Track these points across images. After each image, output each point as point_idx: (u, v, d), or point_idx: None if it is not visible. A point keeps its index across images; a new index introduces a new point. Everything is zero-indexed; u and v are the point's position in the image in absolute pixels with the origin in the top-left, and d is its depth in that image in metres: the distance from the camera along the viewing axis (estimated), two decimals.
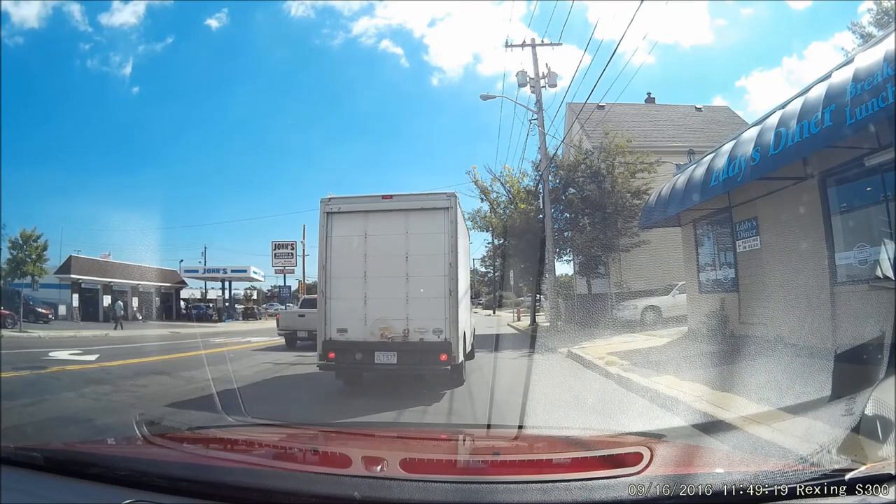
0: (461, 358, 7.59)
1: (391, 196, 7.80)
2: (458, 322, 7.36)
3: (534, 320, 23.11)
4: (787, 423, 3.11)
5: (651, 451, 1.70)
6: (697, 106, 27.79)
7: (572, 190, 20.04)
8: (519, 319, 28.67)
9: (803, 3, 72.82)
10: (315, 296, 18.82)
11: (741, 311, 10.25)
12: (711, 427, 3.04)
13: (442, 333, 7.28)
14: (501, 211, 23.12)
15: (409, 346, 7.28)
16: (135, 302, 37.24)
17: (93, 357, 11.63)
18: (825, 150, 6.81)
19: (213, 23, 77.93)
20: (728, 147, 8.64)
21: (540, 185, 20.40)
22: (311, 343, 14.35)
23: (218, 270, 36.51)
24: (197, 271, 38.90)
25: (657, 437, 2.51)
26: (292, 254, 35.31)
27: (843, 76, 6.10)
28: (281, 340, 15.86)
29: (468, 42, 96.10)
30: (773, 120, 7.37)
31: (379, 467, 1.86)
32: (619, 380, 7.38)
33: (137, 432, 2.06)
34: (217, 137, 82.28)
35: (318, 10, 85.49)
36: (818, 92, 6.46)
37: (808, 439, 2.65)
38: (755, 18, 70.85)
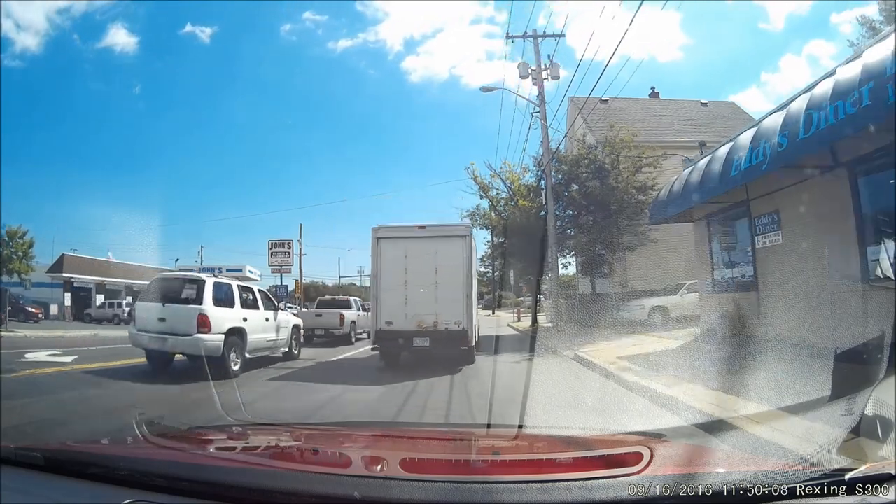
0: (473, 343, 10.49)
1: (424, 226, 10.86)
2: (472, 317, 10.41)
3: (535, 321, 22.21)
4: (786, 422, 3.13)
5: (651, 450, 1.71)
6: (703, 101, 27.07)
7: (575, 186, 19.27)
8: (519, 320, 27.85)
9: (777, 26, 73.46)
10: (329, 297, 22.59)
11: (760, 312, 9.57)
12: (712, 427, 3.06)
13: (461, 325, 10.13)
14: (501, 208, 22.36)
15: (438, 334, 10.07)
16: (99, 299, 36.42)
17: (69, 359, 10.89)
18: (856, 135, 6.14)
19: (205, 39, 77.89)
20: (748, 135, 8.03)
21: (542, 181, 19.80)
22: (327, 340, 16.92)
23: (213, 269, 36.48)
24: (192, 270, 38.37)
25: (657, 436, 2.52)
26: (289, 253, 34.24)
27: (881, 53, 5.58)
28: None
29: (459, 54, 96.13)
30: (801, 103, 6.75)
31: (379, 467, 1.88)
32: (638, 389, 6.59)
33: (137, 432, 2.08)
34: (213, 142, 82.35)
35: (299, 32, 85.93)
36: (852, 71, 5.91)
37: (807, 439, 2.67)
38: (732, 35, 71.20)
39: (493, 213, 23.23)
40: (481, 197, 22.85)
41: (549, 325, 19.42)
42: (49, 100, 63.85)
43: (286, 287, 39.02)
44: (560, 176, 19.42)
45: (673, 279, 17.25)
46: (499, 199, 22.54)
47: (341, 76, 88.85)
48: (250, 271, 37.22)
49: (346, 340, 16.48)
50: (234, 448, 2.20)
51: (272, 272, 34.45)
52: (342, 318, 16.62)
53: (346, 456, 2.15)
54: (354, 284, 66.61)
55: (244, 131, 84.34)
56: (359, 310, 18.60)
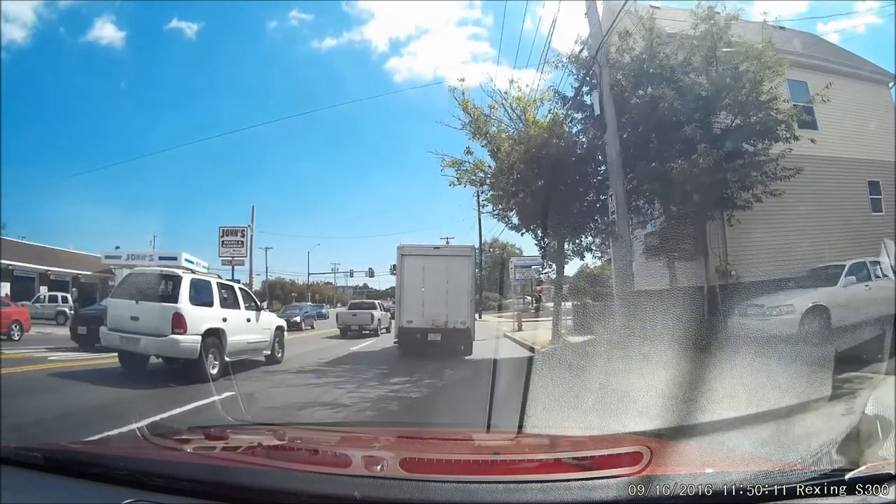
0: (474, 339, 13.04)
1: (439, 247, 15.06)
2: (473, 318, 13.30)
3: (557, 333, 14.17)
4: (787, 421, 3.13)
5: (651, 450, 1.70)
6: (780, 26, 17.00)
7: (650, 89, 11.29)
8: (520, 328, 20.50)
9: None
10: (361, 301, 27.19)
11: None
12: (711, 427, 3.06)
13: (465, 323, 12.77)
14: (506, 149, 12.77)
15: (447, 331, 12.65)
16: (43, 291, 30.73)
17: None
18: None
19: (191, 35, 77.70)
20: None
21: (585, 93, 12.32)
22: (357, 334, 20.55)
23: (144, 257, 30.12)
24: (119, 258, 32.17)
25: (657, 436, 2.52)
26: (242, 242, 29.99)
27: None
28: (328, 332, 22.32)
29: (444, 55, 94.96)
30: None
31: (379, 467, 1.89)
32: None
33: (138, 432, 2.10)
34: (192, 138, 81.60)
35: (285, 30, 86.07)
36: None
37: (807, 439, 2.67)
38: None
39: (503, 150, 12.90)
40: (472, 136, 13.64)
41: (584, 337, 13.25)
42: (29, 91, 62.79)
43: (238, 282, 34.28)
44: (620, 76, 11.59)
45: (815, 258, 11.31)
46: (501, 136, 13.42)
47: (325, 75, 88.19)
48: (187, 260, 30.07)
49: (374, 333, 20.68)
50: (233, 448, 2.18)
51: (223, 263, 30.10)
52: (372, 316, 21.31)
53: (346, 456, 2.15)
54: (367, 286, 66.14)
55: (222, 127, 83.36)
56: (381, 310, 22.69)
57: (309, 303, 44.18)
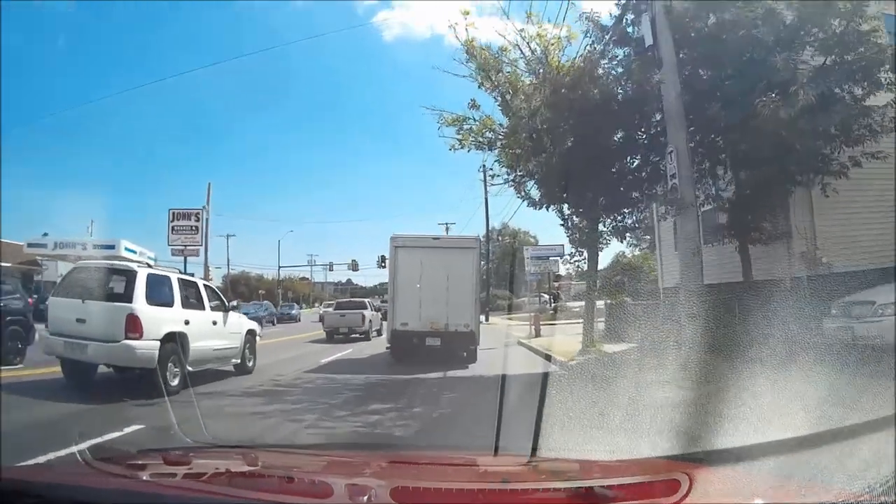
0: (479, 344, 11.78)
1: (439, 237, 13.52)
2: (478, 319, 12.06)
3: (590, 341, 10.82)
4: (852, 443, 2.76)
5: (690, 477, 1.53)
6: None
7: (712, 18, 8.84)
8: (538, 334, 16.12)
9: None
10: (350, 299, 24.01)
11: None
12: (761, 449, 2.69)
13: (468, 326, 11.38)
14: (526, 91, 10.40)
15: (448, 335, 11.25)
16: None
17: None
18: None
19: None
20: None
21: (630, 25, 9.74)
22: (345, 338, 18.63)
23: (75, 245, 25.40)
24: (45, 246, 26.86)
25: (695, 461, 2.22)
26: (196, 227, 25.65)
27: None
28: (314, 336, 19.57)
29: (443, 9, 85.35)
30: None
31: (366, 497, 1.73)
32: None
33: (78, 456, 1.89)
34: (148, 107, 71.72)
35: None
36: None
37: (876, 463, 2.32)
38: None
39: (515, 107, 10.54)
40: (479, 85, 10.91)
41: (625, 347, 9.95)
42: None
43: (192, 275, 27.18)
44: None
45: None
46: (516, 84, 10.67)
47: (302, 30, 79.40)
48: (128, 249, 25.13)
49: (364, 337, 18.24)
50: (194, 475, 1.94)
51: (173, 254, 25.78)
52: (363, 317, 18.83)
53: (327, 484, 1.89)
54: (360, 285, 60.93)
55: (184, 94, 71.88)
56: (372, 310, 20.29)
57: (267, 301, 35.98)
